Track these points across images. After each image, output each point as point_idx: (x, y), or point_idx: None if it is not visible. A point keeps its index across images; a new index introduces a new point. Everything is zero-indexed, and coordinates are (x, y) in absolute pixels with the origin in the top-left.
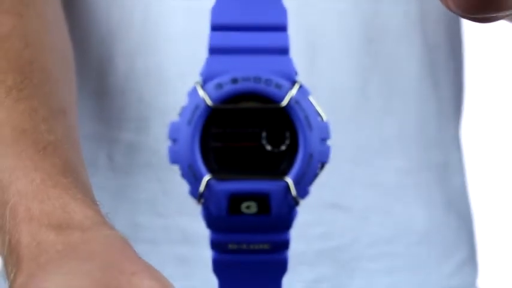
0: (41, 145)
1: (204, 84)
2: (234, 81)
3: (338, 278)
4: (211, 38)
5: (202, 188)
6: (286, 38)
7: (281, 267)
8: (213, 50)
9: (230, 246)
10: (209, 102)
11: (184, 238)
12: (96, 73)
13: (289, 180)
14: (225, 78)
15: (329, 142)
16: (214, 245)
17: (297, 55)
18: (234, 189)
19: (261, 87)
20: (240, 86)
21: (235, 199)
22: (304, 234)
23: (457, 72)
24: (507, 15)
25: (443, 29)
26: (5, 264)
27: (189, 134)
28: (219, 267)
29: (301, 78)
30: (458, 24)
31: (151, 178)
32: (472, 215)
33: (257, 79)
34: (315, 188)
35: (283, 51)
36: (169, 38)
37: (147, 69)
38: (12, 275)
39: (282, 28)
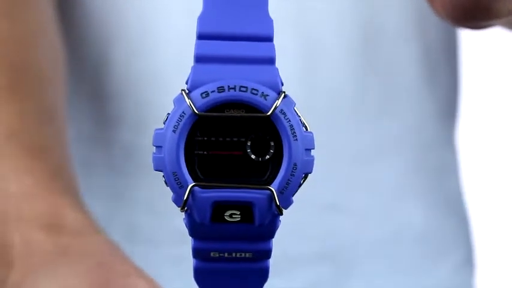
0: (31, 148)
1: (189, 92)
2: (221, 89)
3: (337, 279)
4: (197, 47)
5: (186, 195)
6: (272, 48)
7: (262, 276)
8: (199, 59)
9: (212, 254)
10: (195, 110)
11: (182, 239)
12: (94, 75)
13: (273, 189)
14: (211, 87)
15: (313, 152)
16: (196, 252)
17: (295, 57)
18: (218, 197)
19: (247, 96)
20: (226, 94)
21: (219, 207)
22: (302, 235)
23: (454, 74)
24: (497, 24)
25: (440, 31)
26: None
27: (174, 141)
28: (200, 275)
29: (299, 80)
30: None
31: (149, 179)
32: (469, 216)
33: (243, 88)
34: (313, 190)
35: (269, 61)
36: (166, 39)
37: (145, 70)
38: (2, 275)
39: (268, 39)
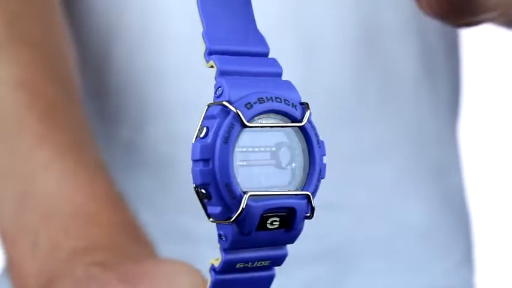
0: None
1: (231, 104)
2: (261, 100)
3: (336, 277)
4: (219, 62)
5: (243, 205)
6: (277, 63)
7: (270, 283)
8: (223, 73)
9: (238, 265)
10: (245, 121)
11: (183, 236)
12: (95, 72)
13: (310, 194)
14: (252, 98)
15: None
16: (228, 265)
17: (294, 56)
18: (268, 205)
19: (283, 106)
20: (266, 105)
21: (265, 216)
22: (302, 233)
23: (455, 72)
24: (487, 19)
25: (439, 30)
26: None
27: (227, 153)
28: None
29: (298, 78)
30: None
31: (150, 176)
32: (470, 214)
33: (278, 99)
34: None
35: (280, 74)
36: (167, 37)
37: (146, 68)
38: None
39: (267, 54)
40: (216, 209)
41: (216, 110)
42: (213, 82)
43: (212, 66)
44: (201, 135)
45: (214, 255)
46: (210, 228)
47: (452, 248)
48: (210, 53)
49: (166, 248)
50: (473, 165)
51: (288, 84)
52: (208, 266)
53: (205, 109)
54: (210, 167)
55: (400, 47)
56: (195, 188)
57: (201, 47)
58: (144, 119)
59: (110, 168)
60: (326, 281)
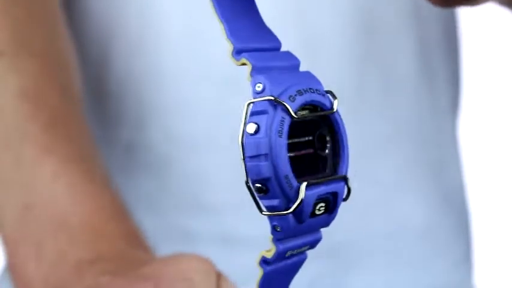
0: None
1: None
2: (300, 92)
3: (337, 274)
4: (253, 59)
5: (302, 194)
6: (293, 56)
7: (301, 266)
8: (258, 69)
9: (288, 253)
10: (293, 114)
11: (183, 236)
12: (94, 74)
13: (347, 177)
14: (292, 91)
15: None
16: (280, 255)
17: (293, 51)
18: (318, 192)
19: (317, 96)
20: (305, 97)
21: (315, 202)
22: None
23: (454, 69)
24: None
25: (438, 25)
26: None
27: (283, 146)
28: (268, 279)
29: None
30: (454, 20)
31: (150, 177)
32: (469, 212)
33: (312, 90)
34: None
35: (298, 66)
36: (166, 38)
37: (145, 69)
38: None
39: (280, 48)
40: (274, 202)
41: (264, 105)
42: (211, 82)
43: (244, 64)
44: (252, 132)
45: (213, 254)
46: (210, 228)
47: (452, 246)
48: (238, 52)
49: (166, 248)
50: (473, 164)
51: (311, 75)
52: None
53: (248, 106)
54: (269, 161)
55: (399, 44)
56: (247, 183)
57: (200, 47)
58: (143, 119)
59: (110, 169)
60: (327, 278)
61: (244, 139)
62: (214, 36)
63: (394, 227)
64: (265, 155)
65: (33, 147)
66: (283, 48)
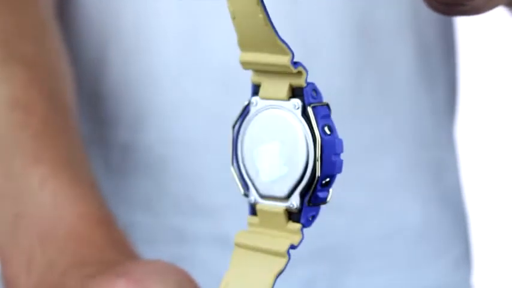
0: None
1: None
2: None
3: (334, 276)
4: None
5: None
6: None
7: None
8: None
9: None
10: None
11: (180, 237)
12: (90, 75)
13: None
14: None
15: None
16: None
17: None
18: None
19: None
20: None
21: None
22: None
23: (452, 71)
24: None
25: (436, 28)
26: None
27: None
28: None
29: None
30: (451, 23)
31: (146, 178)
32: (467, 213)
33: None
34: None
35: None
36: (163, 39)
37: (141, 70)
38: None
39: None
40: (326, 193)
41: (327, 110)
42: (208, 84)
43: (300, 72)
44: (328, 132)
45: (210, 256)
46: (206, 229)
47: (450, 247)
48: (294, 61)
49: (162, 249)
50: (471, 165)
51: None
52: (204, 267)
53: (312, 110)
54: (342, 158)
55: (397, 46)
56: (318, 178)
57: (195, 49)
58: (140, 121)
59: (106, 170)
60: (324, 279)
61: (325, 137)
62: (210, 38)
63: (391, 228)
64: (340, 153)
65: (23, 157)
66: None
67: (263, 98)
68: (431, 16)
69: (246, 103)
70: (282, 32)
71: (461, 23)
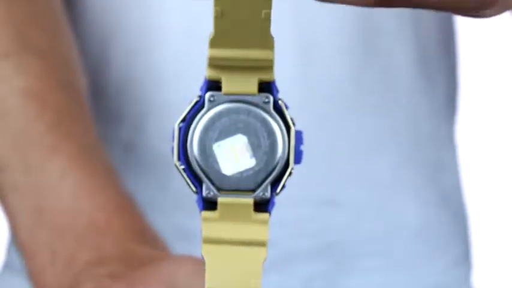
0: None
1: None
2: None
3: (333, 274)
4: None
5: None
6: None
7: None
8: None
9: None
10: None
11: (182, 235)
12: (93, 73)
13: None
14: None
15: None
16: None
17: (292, 54)
18: None
19: None
20: None
21: None
22: (299, 231)
23: (452, 70)
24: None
25: (436, 27)
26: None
27: None
28: None
29: (296, 77)
30: (451, 22)
31: (149, 176)
32: (467, 212)
33: None
34: (310, 185)
35: None
36: (165, 37)
37: (145, 68)
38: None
39: None
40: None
41: (286, 103)
42: None
43: (270, 67)
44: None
45: None
46: None
47: (449, 246)
48: None
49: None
50: (471, 164)
51: None
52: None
53: (283, 103)
54: None
55: (397, 45)
56: (292, 168)
57: (199, 46)
58: (143, 119)
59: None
60: (323, 278)
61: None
62: None
63: (390, 227)
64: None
65: (40, 148)
66: (281, 49)
67: (226, 93)
68: (431, 15)
69: (196, 99)
70: (283, 29)
71: (461, 23)
